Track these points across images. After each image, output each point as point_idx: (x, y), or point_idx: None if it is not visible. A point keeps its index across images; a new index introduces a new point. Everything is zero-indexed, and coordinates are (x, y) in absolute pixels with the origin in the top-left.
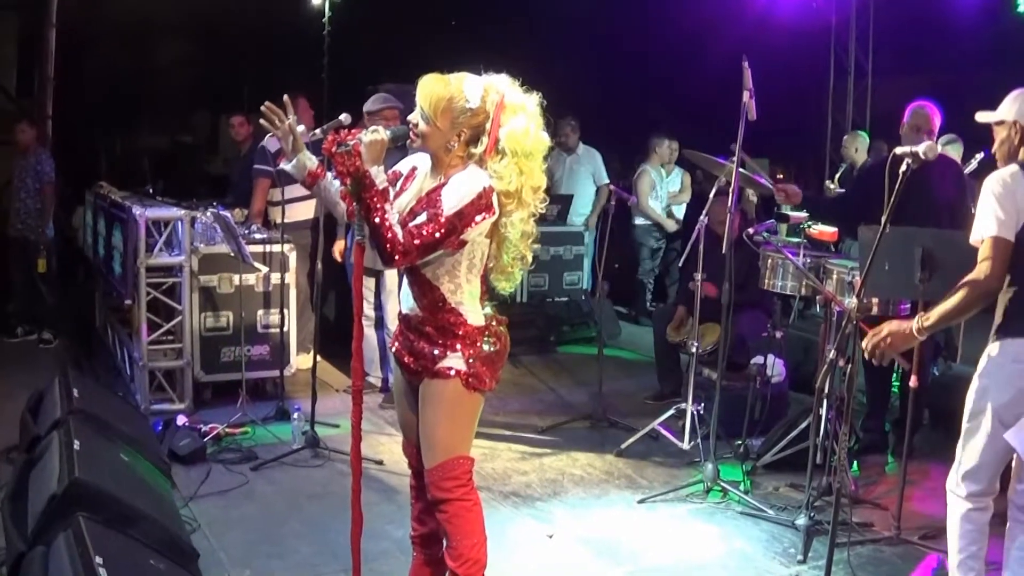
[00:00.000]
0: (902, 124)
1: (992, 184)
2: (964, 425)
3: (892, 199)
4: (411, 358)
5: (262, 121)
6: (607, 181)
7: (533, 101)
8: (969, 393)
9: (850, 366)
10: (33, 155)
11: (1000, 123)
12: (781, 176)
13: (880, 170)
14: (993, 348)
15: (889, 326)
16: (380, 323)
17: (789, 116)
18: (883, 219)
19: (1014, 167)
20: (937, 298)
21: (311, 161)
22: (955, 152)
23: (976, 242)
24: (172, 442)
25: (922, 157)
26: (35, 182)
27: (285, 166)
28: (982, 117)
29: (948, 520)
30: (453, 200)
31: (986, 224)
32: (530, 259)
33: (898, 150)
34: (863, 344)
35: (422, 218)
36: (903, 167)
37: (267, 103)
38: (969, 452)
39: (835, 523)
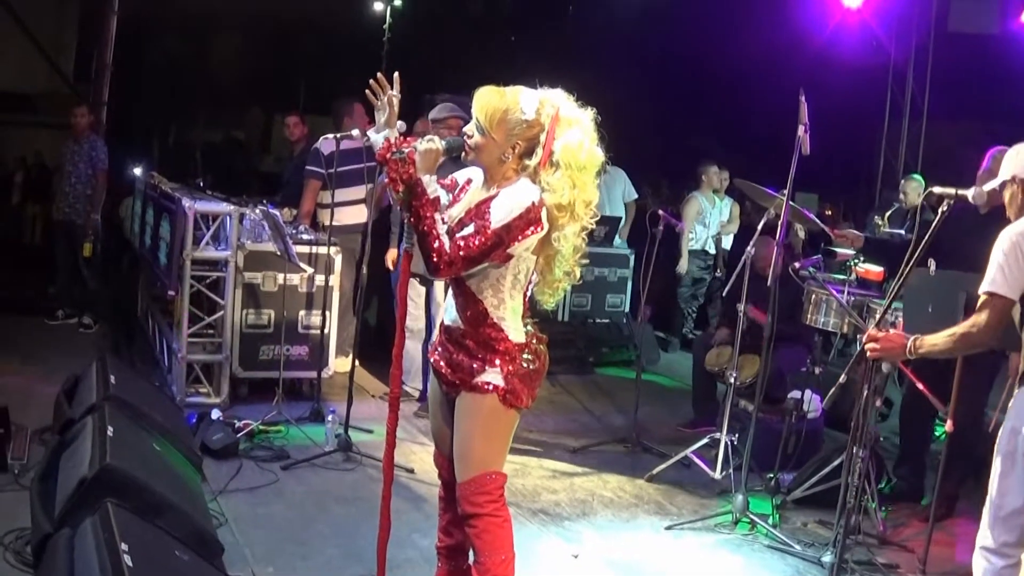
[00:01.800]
0: (980, 169)
1: (1003, 240)
2: (995, 471)
3: (927, 238)
4: (449, 370)
5: (367, 92)
6: (635, 197)
7: (588, 116)
8: (999, 438)
9: (865, 395)
10: (87, 141)
11: (1003, 185)
12: (830, 212)
13: (948, 215)
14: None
15: (887, 335)
16: (423, 333)
17: (842, 153)
18: (913, 258)
19: None
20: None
21: (395, 137)
22: None
23: (981, 293)
24: (205, 435)
25: (970, 201)
26: (88, 168)
27: (371, 133)
28: (989, 187)
29: None
30: (502, 213)
31: (988, 279)
32: (578, 274)
33: (936, 189)
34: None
35: (469, 229)
36: (943, 207)
37: (379, 75)
38: (1001, 498)
39: (840, 555)
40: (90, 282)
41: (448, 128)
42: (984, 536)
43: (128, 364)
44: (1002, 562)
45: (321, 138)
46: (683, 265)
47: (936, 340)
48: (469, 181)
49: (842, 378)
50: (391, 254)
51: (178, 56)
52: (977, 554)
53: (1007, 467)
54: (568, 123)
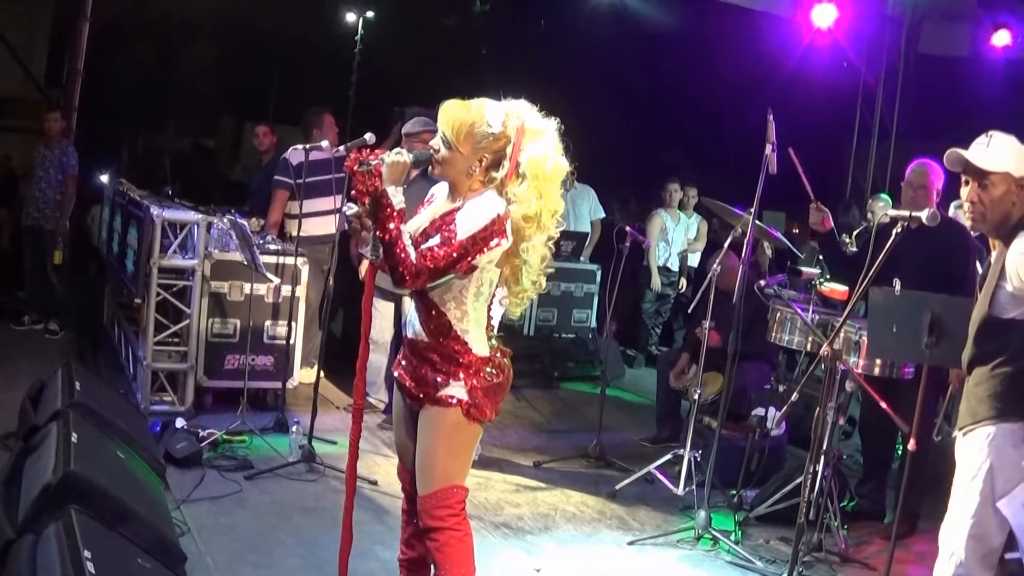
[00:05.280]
0: (903, 181)
1: (1020, 245)
2: (969, 508)
3: (881, 259)
4: (413, 383)
5: (347, 213)
6: (602, 216)
7: (552, 126)
8: (966, 476)
9: (819, 411)
10: (58, 146)
11: (994, 175)
12: (796, 231)
13: (903, 234)
14: (993, 430)
15: None
16: (387, 346)
17: (811, 172)
18: (867, 279)
19: None
20: (942, 363)
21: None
22: (964, 217)
23: None
24: (169, 444)
25: (924, 222)
26: (58, 173)
27: (363, 250)
28: (980, 160)
29: None
30: (468, 224)
31: None
32: (543, 284)
33: (891, 212)
34: None
35: (435, 240)
36: (897, 228)
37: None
38: (976, 541)
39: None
40: (58, 288)
41: (422, 142)
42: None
43: (93, 371)
44: None
45: (290, 148)
46: (655, 282)
47: None
48: (432, 195)
49: (794, 396)
50: (365, 264)
51: (149, 63)
52: None
53: (985, 511)
54: (534, 134)
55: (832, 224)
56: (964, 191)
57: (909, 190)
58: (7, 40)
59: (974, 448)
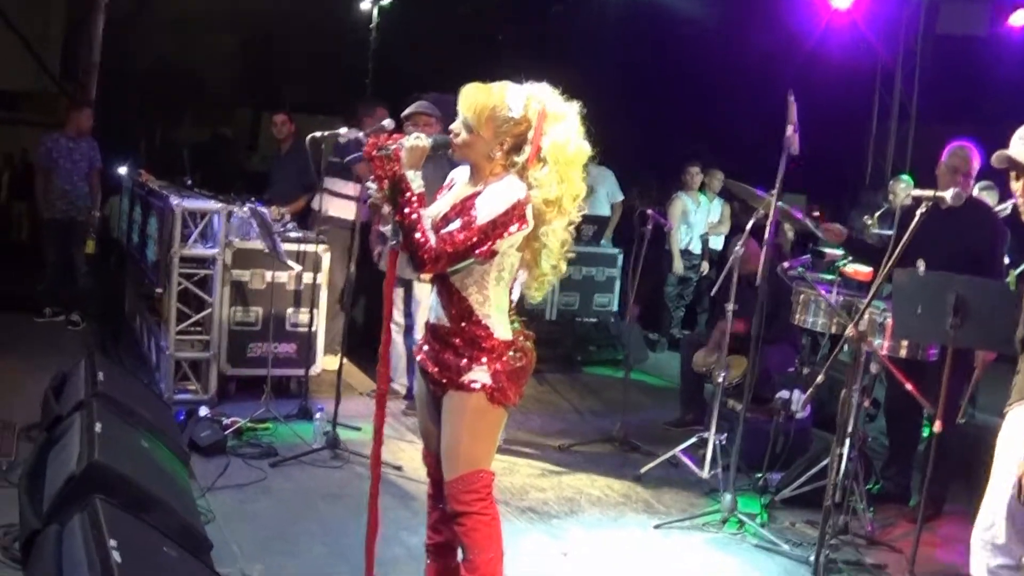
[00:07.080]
0: (939, 163)
1: None
2: (1010, 477)
3: (906, 240)
4: (436, 368)
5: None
6: (621, 198)
7: (574, 109)
8: (1011, 445)
9: (844, 394)
10: (85, 140)
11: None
12: (817, 214)
13: (927, 214)
14: None
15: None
16: (408, 331)
17: (830, 155)
18: (891, 260)
19: None
20: (967, 345)
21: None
22: (991, 198)
23: None
24: (193, 432)
25: (948, 202)
26: (87, 166)
27: (384, 229)
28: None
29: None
30: (487, 209)
31: None
32: (564, 268)
33: (914, 193)
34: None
35: (455, 225)
36: (921, 209)
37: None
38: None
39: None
40: (84, 279)
41: (414, 124)
42: (982, 546)
43: (116, 361)
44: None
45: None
46: (678, 265)
47: None
48: (452, 180)
49: (820, 378)
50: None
51: (166, 54)
52: (975, 554)
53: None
54: (555, 118)
55: (845, 231)
56: (1015, 185)
57: (953, 175)
58: (22, 35)
59: (1022, 420)
